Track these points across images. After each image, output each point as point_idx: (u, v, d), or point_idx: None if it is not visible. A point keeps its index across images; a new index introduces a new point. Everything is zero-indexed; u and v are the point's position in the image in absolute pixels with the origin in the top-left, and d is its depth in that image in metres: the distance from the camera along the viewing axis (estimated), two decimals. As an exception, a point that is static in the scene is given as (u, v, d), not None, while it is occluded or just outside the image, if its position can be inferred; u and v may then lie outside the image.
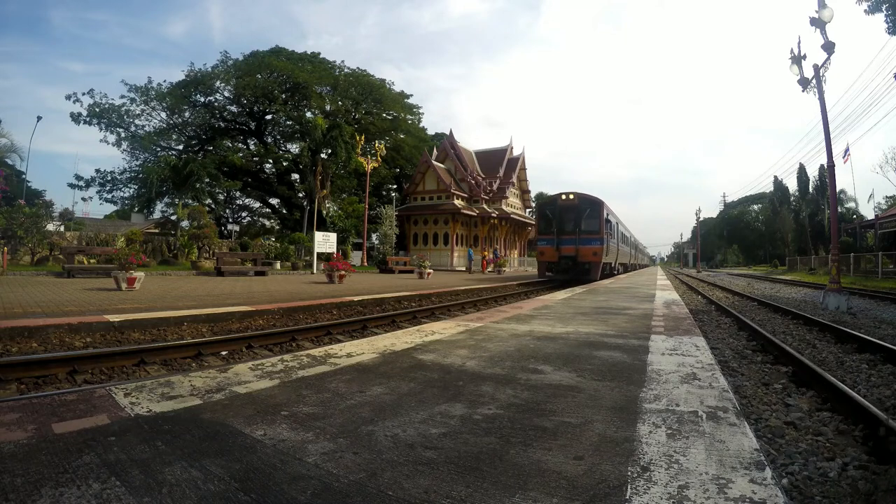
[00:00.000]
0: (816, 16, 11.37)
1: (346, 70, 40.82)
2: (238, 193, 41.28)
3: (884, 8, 17.22)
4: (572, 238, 17.59)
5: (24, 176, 36.19)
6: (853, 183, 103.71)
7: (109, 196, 39.01)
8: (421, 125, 47.80)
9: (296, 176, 39.64)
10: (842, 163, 36.41)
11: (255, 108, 38.78)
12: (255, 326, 7.10)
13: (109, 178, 38.17)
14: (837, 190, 19.65)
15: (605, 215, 17.85)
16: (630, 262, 33.74)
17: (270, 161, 39.36)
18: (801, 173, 51.56)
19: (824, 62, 11.85)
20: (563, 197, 18.25)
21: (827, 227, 36.75)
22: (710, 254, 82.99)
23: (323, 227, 28.94)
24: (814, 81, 12.23)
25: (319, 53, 40.95)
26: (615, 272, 23.84)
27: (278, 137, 41.93)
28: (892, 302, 12.26)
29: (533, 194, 46.79)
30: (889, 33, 18.37)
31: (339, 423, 1.97)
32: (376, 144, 33.90)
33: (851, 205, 49.51)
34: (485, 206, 35.92)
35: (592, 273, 17.27)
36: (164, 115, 37.73)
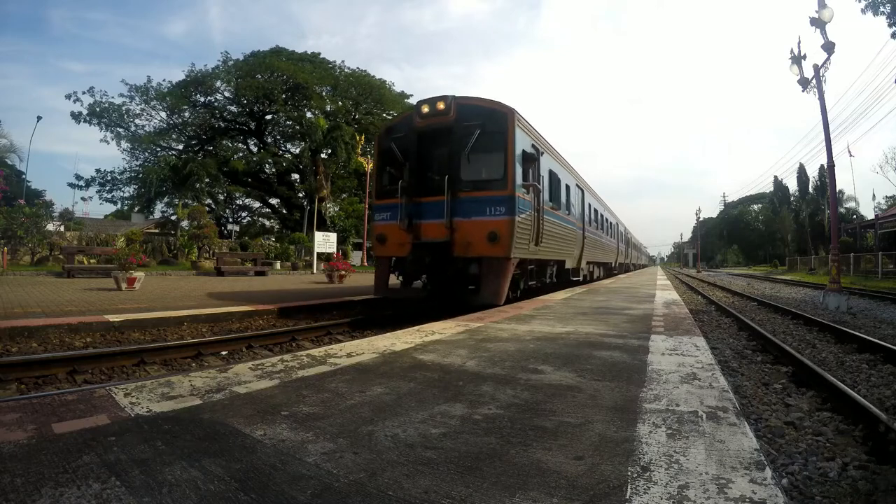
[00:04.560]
0: (816, 16, 11.38)
1: (346, 70, 40.83)
2: (238, 194, 41.31)
3: (886, 9, 17.24)
4: (438, 201, 7.69)
5: (24, 176, 36.29)
6: (853, 183, 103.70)
7: (109, 196, 39.05)
8: (421, 125, 47.68)
9: (296, 176, 39.66)
10: (849, 157, 36.47)
11: (255, 109, 38.77)
12: (255, 326, 7.10)
13: (109, 178, 38.19)
14: (837, 190, 19.64)
15: (519, 145, 7.68)
16: (618, 260, 23.99)
17: (270, 161, 39.40)
18: (801, 173, 51.63)
19: (824, 62, 11.86)
20: (424, 110, 8.11)
21: (827, 227, 36.76)
22: (710, 254, 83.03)
23: (323, 227, 28.94)
24: (814, 81, 12.24)
25: (320, 53, 40.98)
26: (581, 277, 13.49)
27: (278, 137, 41.93)
28: (892, 302, 12.26)
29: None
30: (893, 37, 18.38)
31: (339, 423, 1.97)
32: (376, 144, 33.77)
33: (851, 205, 49.62)
34: (484, 205, 35.63)
35: (488, 284, 7.38)
36: (163, 114, 37.72)
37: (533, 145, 8.44)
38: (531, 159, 8.07)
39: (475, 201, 7.63)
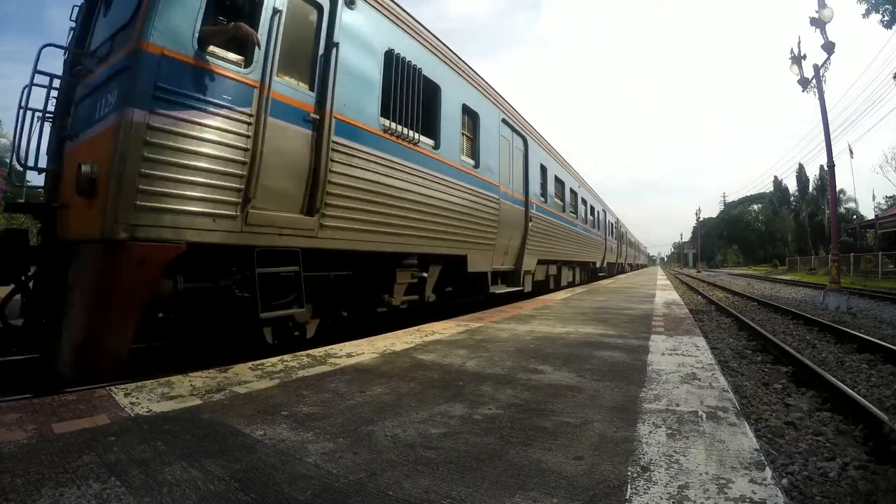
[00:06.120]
0: (816, 16, 11.38)
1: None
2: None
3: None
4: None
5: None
6: (853, 183, 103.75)
7: (109, 196, 39.04)
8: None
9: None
10: (850, 157, 36.63)
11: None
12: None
13: (109, 178, 38.20)
14: (837, 190, 19.62)
15: None
16: (606, 259, 19.31)
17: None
18: (801, 173, 51.68)
19: (824, 62, 11.86)
20: None
21: (827, 227, 36.80)
22: (710, 254, 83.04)
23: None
24: (814, 81, 12.25)
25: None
26: (527, 287, 8.54)
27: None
28: (892, 302, 12.26)
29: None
30: (885, 27, 18.59)
31: (339, 423, 1.97)
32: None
33: (851, 205, 49.67)
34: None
35: (75, 319, 2.77)
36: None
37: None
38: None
39: (92, 91, 3.33)
